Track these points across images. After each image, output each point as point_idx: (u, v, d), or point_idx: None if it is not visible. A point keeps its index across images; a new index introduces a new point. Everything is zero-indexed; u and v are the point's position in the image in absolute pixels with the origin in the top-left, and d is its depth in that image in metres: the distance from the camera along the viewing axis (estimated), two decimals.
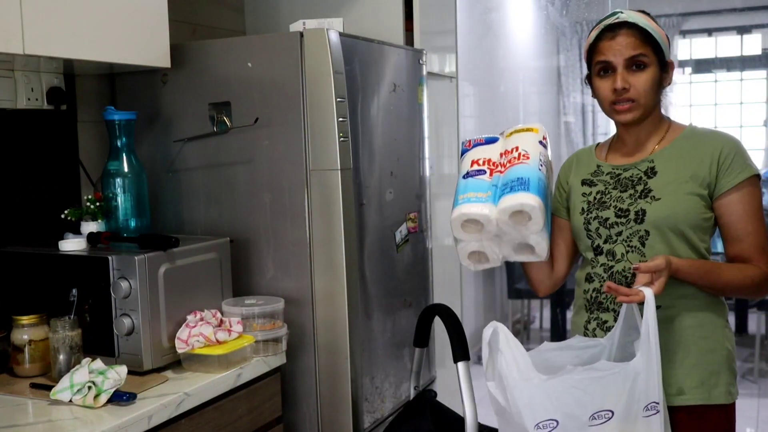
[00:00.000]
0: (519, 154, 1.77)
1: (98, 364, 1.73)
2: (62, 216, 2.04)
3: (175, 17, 2.20)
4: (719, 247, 1.92)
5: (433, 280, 2.69)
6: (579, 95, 7.47)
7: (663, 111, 1.85)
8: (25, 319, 1.85)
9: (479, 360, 1.74)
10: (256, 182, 2.19)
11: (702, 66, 7.64)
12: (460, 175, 1.84)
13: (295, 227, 2.15)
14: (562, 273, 1.97)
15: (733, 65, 7.60)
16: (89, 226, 2.02)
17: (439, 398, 2.14)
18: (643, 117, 1.78)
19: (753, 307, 5.11)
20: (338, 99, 2.09)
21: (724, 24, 7.50)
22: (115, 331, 1.85)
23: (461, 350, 1.88)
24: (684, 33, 7.38)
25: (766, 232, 1.75)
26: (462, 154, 1.89)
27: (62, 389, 1.67)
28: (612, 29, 1.76)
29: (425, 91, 2.63)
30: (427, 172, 2.64)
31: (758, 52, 7.55)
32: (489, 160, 1.82)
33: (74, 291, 1.86)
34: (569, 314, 2.01)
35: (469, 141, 1.90)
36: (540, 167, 1.76)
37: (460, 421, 1.88)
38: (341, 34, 2.13)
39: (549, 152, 1.87)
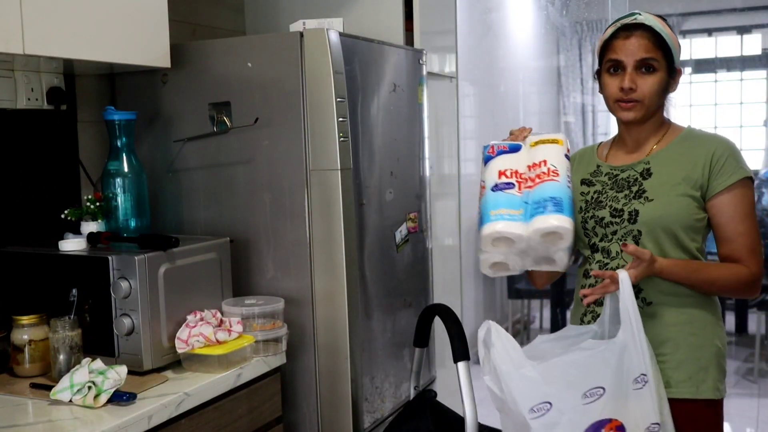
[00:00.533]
0: (548, 169, 1.75)
1: (98, 364, 1.73)
2: (62, 216, 2.03)
3: (175, 17, 2.20)
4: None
5: (433, 280, 2.69)
6: (579, 95, 7.47)
7: (664, 112, 1.88)
8: (25, 319, 1.85)
9: (479, 360, 1.75)
10: (256, 182, 2.19)
11: (702, 66, 7.63)
12: (488, 186, 1.80)
13: (295, 227, 2.15)
14: None
15: (733, 65, 7.60)
16: (89, 226, 2.02)
17: (439, 398, 2.14)
18: (644, 118, 1.82)
19: (753, 307, 5.10)
20: (338, 99, 2.09)
21: (724, 24, 7.49)
22: (115, 331, 1.85)
23: (461, 350, 1.88)
24: (684, 33, 7.37)
25: (758, 233, 1.78)
26: (485, 162, 1.83)
27: (62, 389, 1.67)
28: (627, 29, 1.80)
29: (425, 91, 2.63)
30: (427, 172, 2.64)
31: (758, 52, 7.54)
32: (516, 172, 1.79)
33: (74, 291, 1.86)
34: (569, 314, 2.02)
35: (492, 146, 1.84)
36: (568, 184, 1.76)
37: (460, 421, 1.88)
38: (341, 34, 2.13)
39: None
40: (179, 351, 1.88)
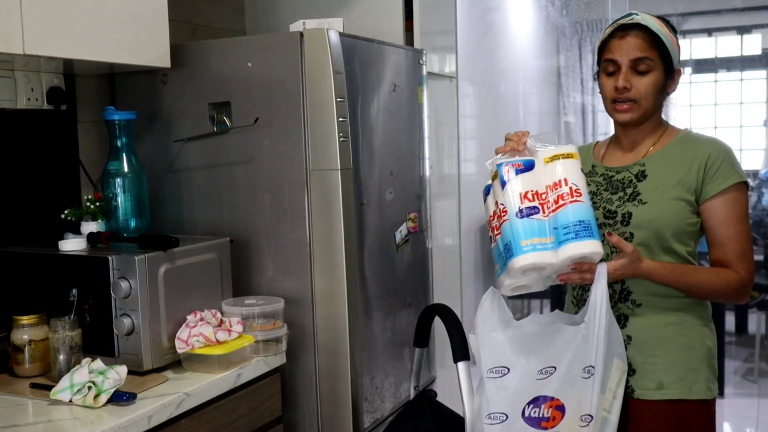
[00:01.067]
0: (570, 189, 1.70)
1: (98, 364, 1.73)
2: (62, 216, 2.03)
3: (175, 17, 2.21)
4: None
5: (433, 280, 2.69)
6: (579, 95, 7.47)
7: (663, 112, 1.87)
8: (25, 319, 1.85)
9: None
10: (256, 182, 2.19)
11: (702, 66, 7.64)
12: (511, 211, 1.71)
13: (295, 227, 2.15)
14: None
15: (733, 65, 7.60)
16: (89, 226, 2.02)
17: (439, 398, 2.14)
18: (642, 119, 1.81)
19: (753, 307, 5.11)
20: (338, 99, 2.09)
21: (724, 24, 7.49)
22: (115, 331, 1.85)
23: (461, 350, 1.88)
24: (684, 33, 7.37)
25: (749, 238, 1.77)
26: (503, 184, 1.73)
27: (62, 389, 1.67)
28: (623, 29, 1.79)
29: (425, 91, 2.63)
30: (427, 172, 2.64)
31: (758, 52, 7.55)
32: (537, 193, 1.72)
33: (74, 291, 1.86)
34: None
35: (507, 166, 1.74)
36: (590, 202, 1.73)
37: (460, 421, 1.88)
38: (341, 34, 2.13)
39: None
40: (179, 351, 1.88)
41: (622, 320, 1.80)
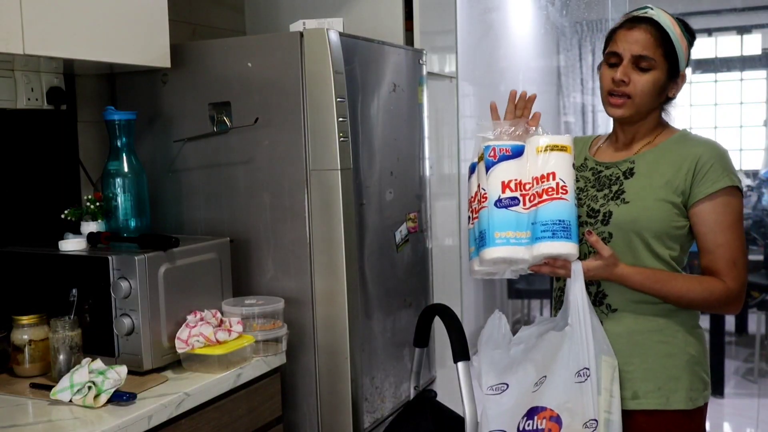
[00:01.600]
0: (557, 185, 1.64)
1: (98, 364, 1.73)
2: (62, 216, 2.03)
3: (175, 17, 2.21)
4: None
5: (433, 280, 2.68)
6: (579, 95, 7.47)
7: (664, 115, 1.82)
8: (25, 319, 1.85)
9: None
10: (256, 182, 2.19)
11: (702, 66, 7.64)
12: (490, 198, 1.68)
13: (295, 227, 2.15)
14: None
15: (733, 65, 7.61)
16: (89, 226, 2.02)
17: (439, 398, 2.14)
18: (635, 117, 1.75)
19: (753, 307, 5.11)
20: (338, 99, 2.09)
21: (724, 24, 7.50)
22: (115, 331, 1.85)
23: (461, 350, 1.88)
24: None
25: (740, 245, 1.68)
26: (487, 168, 1.70)
27: (62, 389, 1.67)
28: (633, 21, 1.73)
29: (425, 91, 2.63)
30: (427, 172, 2.64)
31: (758, 52, 7.56)
32: (520, 183, 1.68)
33: (74, 291, 1.86)
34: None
35: (493, 149, 1.69)
36: (576, 201, 1.69)
37: (460, 421, 1.88)
38: (341, 34, 2.13)
39: None
40: (179, 351, 1.88)
41: None
